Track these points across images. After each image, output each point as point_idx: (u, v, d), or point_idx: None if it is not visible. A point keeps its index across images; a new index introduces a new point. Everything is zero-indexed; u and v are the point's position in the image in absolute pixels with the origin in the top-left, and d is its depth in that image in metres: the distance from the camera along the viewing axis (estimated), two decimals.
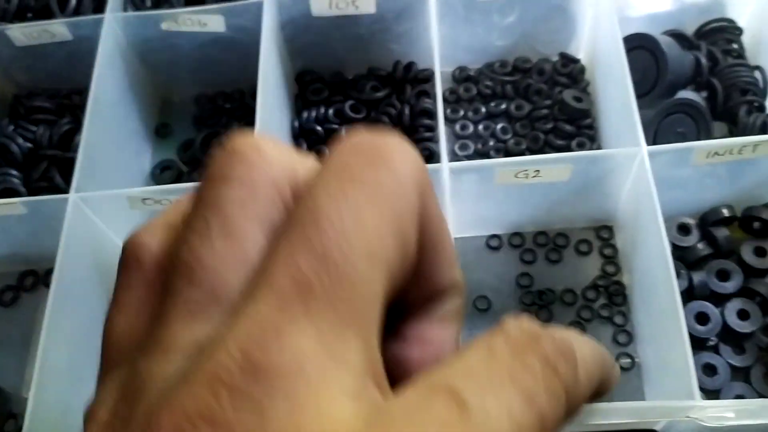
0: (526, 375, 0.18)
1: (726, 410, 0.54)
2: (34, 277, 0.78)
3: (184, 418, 0.16)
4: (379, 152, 0.19)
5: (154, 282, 0.20)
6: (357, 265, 0.17)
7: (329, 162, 0.19)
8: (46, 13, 0.79)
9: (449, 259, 0.22)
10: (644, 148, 0.59)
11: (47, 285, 0.64)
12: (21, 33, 0.76)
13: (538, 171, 0.63)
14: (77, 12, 0.78)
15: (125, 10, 0.77)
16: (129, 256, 0.20)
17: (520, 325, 0.19)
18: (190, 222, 0.20)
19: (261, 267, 0.18)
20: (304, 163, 0.21)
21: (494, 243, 0.73)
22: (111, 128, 0.74)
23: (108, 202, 0.67)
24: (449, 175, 0.63)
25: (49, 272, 0.63)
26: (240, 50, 0.76)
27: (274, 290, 0.17)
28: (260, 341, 0.16)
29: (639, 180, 0.61)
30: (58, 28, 0.75)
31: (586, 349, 0.20)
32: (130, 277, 0.20)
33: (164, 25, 0.74)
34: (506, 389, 0.17)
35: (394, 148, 0.19)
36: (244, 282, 0.18)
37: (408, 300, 0.22)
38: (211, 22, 0.74)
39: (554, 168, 0.62)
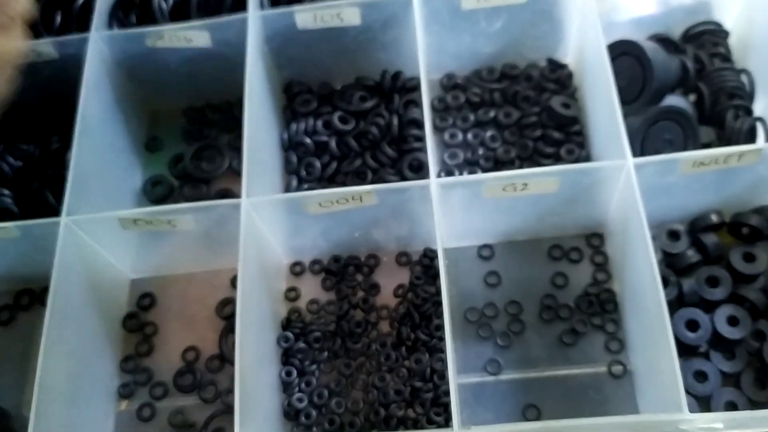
0: None
1: (714, 421, 0.54)
2: (30, 296, 0.78)
3: None
4: None
5: None
6: None
7: None
8: (32, 31, 0.78)
9: None
10: (630, 161, 0.59)
11: (43, 303, 0.64)
12: None
13: (525, 184, 0.63)
14: (62, 30, 0.78)
15: (110, 27, 0.76)
16: None
17: None
18: None
19: None
20: None
21: (486, 253, 0.73)
22: (101, 146, 0.74)
23: (99, 223, 0.67)
24: (438, 189, 0.63)
25: (45, 290, 0.64)
26: (226, 64, 0.75)
27: None
28: None
29: (626, 191, 0.61)
30: (44, 47, 0.75)
31: None
32: None
33: (149, 42, 0.74)
34: None
35: None
36: None
37: None
38: (197, 38, 0.74)
39: (542, 181, 0.62)
